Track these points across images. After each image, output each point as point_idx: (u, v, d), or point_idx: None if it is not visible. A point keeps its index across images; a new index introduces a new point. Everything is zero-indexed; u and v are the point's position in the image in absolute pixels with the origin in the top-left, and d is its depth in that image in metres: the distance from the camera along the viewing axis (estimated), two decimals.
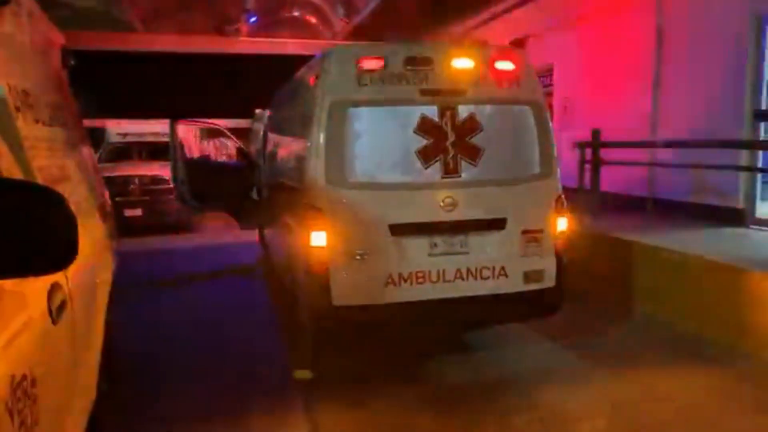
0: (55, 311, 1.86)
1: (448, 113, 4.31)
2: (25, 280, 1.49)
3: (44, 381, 1.63)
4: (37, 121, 2.43)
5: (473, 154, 4.35)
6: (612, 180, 8.23)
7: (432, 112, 4.29)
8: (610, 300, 6.01)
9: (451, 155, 4.31)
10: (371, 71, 4.21)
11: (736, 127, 7.01)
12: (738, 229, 6.74)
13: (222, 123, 13.85)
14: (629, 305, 5.85)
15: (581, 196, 7.79)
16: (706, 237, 6.24)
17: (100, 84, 17.46)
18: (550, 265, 4.52)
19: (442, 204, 4.26)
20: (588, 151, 8.02)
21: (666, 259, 5.62)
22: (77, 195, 2.95)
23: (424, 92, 4.28)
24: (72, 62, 3.93)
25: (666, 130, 8.10)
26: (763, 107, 7.01)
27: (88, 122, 4.77)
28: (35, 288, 1.69)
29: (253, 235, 8.59)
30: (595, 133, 7.96)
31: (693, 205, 7.52)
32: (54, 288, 1.88)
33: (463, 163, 4.33)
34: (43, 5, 3.43)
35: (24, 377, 1.47)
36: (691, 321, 5.22)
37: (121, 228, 5.58)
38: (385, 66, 4.24)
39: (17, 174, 1.80)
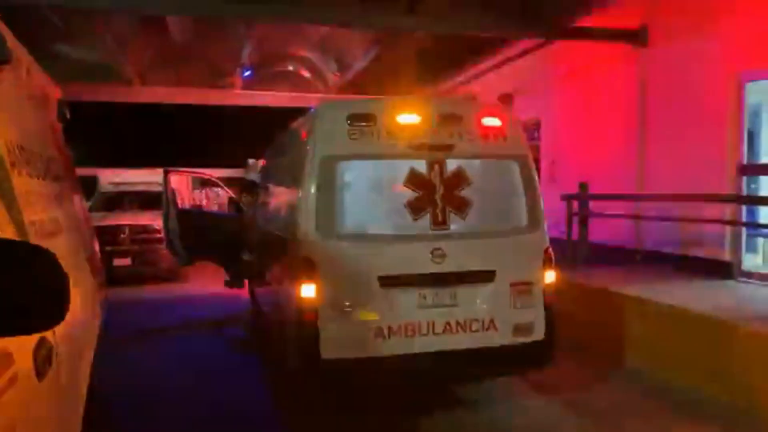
0: (41, 367, 1.85)
1: (436, 167, 4.39)
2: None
3: None
4: (31, 176, 2.46)
5: (462, 206, 4.41)
6: (600, 232, 8.32)
7: (421, 165, 4.37)
8: (599, 352, 5.98)
9: (439, 208, 4.36)
10: (361, 126, 4.31)
11: (720, 181, 7.16)
12: (726, 282, 6.79)
13: (216, 172, 13.97)
14: (619, 358, 5.81)
15: (570, 248, 7.86)
16: (695, 290, 6.26)
17: (95, 134, 17.68)
18: (539, 318, 4.52)
19: (431, 256, 4.28)
20: (575, 204, 8.14)
21: (654, 311, 5.63)
22: (68, 247, 2.96)
23: (413, 146, 4.37)
24: (68, 116, 4.00)
25: (651, 184, 8.26)
26: (745, 162, 7.19)
27: (80, 170, 4.83)
28: (21, 343, 1.68)
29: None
30: (583, 187, 8.10)
31: (681, 257, 7.58)
32: (40, 343, 1.87)
33: (452, 216, 4.39)
34: (41, 57, 3.52)
35: None
36: (679, 374, 5.20)
37: (110, 277, 5.56)
38: (375, 121, 4.34)
39: (11, 231, 1.82)
